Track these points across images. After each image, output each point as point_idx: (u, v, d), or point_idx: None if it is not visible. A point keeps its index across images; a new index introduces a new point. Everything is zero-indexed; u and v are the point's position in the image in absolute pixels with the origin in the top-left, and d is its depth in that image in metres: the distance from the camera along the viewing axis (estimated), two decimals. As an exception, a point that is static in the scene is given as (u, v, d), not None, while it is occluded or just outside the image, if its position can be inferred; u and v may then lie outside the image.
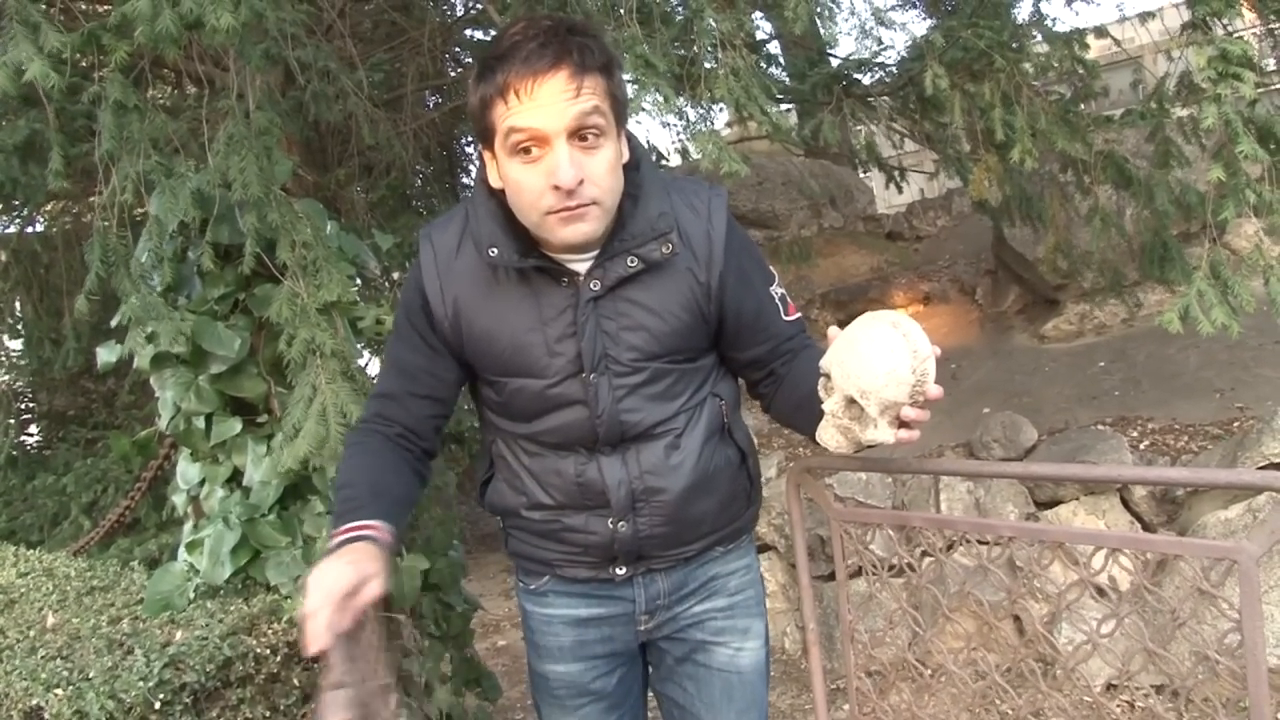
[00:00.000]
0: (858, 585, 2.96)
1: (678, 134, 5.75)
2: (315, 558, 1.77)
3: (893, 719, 1.77)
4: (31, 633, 1.80)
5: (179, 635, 1.71)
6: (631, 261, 1.21)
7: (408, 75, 4.23)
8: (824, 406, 1.17)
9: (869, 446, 1.15)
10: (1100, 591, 1.43)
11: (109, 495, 4.11)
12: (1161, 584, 2.74)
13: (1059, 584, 1.71)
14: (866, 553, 1.64)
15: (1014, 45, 2.95)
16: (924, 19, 3.96)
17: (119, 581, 2.13)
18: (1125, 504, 3.06)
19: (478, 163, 2.29)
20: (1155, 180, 2.88)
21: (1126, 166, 3.02)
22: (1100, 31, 3.33)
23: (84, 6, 2.50)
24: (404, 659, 2.00)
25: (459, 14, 4.90)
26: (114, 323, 1.99)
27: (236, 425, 2.01)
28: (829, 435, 1.18)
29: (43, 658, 1.65)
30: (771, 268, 1.36)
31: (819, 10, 2.63)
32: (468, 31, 4.79)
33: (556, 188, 1.11)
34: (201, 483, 2.07)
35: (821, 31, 3.14)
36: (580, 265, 1.22)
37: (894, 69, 3.60)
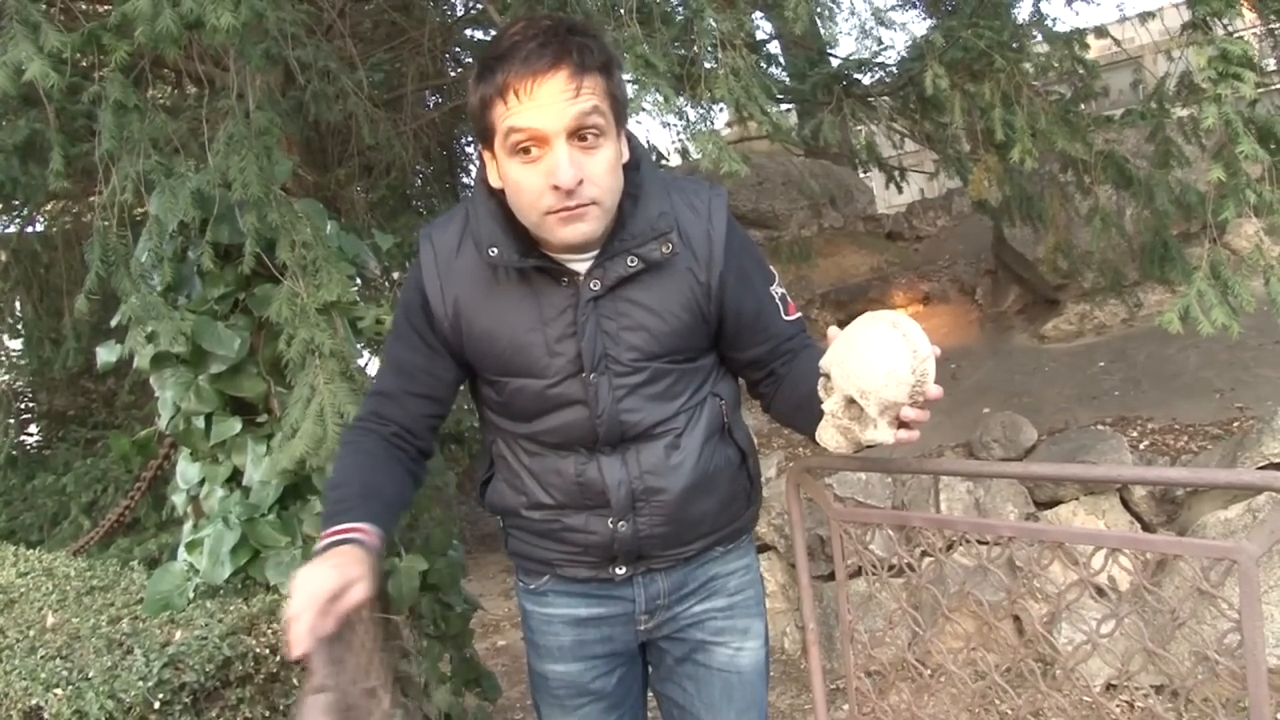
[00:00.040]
0: (857, 585, 2.96)
1: (678, 134, 5.75)
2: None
3: (892, 719, 1.77)
4: (31, 632, 1.80)
5: (178, 635, 1.71)
6: (631, 261, 1.21)
7: (408, 75, 4.23)
8: (824, 406, 1.17)
9: (869, 446, 1.15)
10: (1100, 591, 1.43)
11: (109, 495, 4.11)
12: (1161, 584, 2.74)
13: (1059, 584, 1.71)
14: (866, 553, 1.64)
15: (1014, 45, 2.95)
16: (924, 19, 3.96)
17: (119, 581, 2.12)
18: (1125, 504, 3.06)
19: (478, 163, 2.30)
20: (1155, 180, 2.88)
21: (1126, 166, 3.02)
22: (1100, 31, 3.33)
23: (84, 6, 2.50)
24: (403, 659, 2.00)
25: (459, 14, 4.90)
26: (114, 322, 1.99)
27: (236, 425, 2.01)
28: (828, 435, 1.18)
29: (42, 657, 1.65)
30: (771, 267, 1.36)
31: (819, 10, 2.63)
32: (468, 31, 4.79)
33: (556, 188, 1.11)
34: (201, 482, 2.07)
35: (821, 31, 3.14)
36: (580, 265, 1.22)
37: (894, 69, 3.60)
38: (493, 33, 3.67)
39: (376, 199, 4.52)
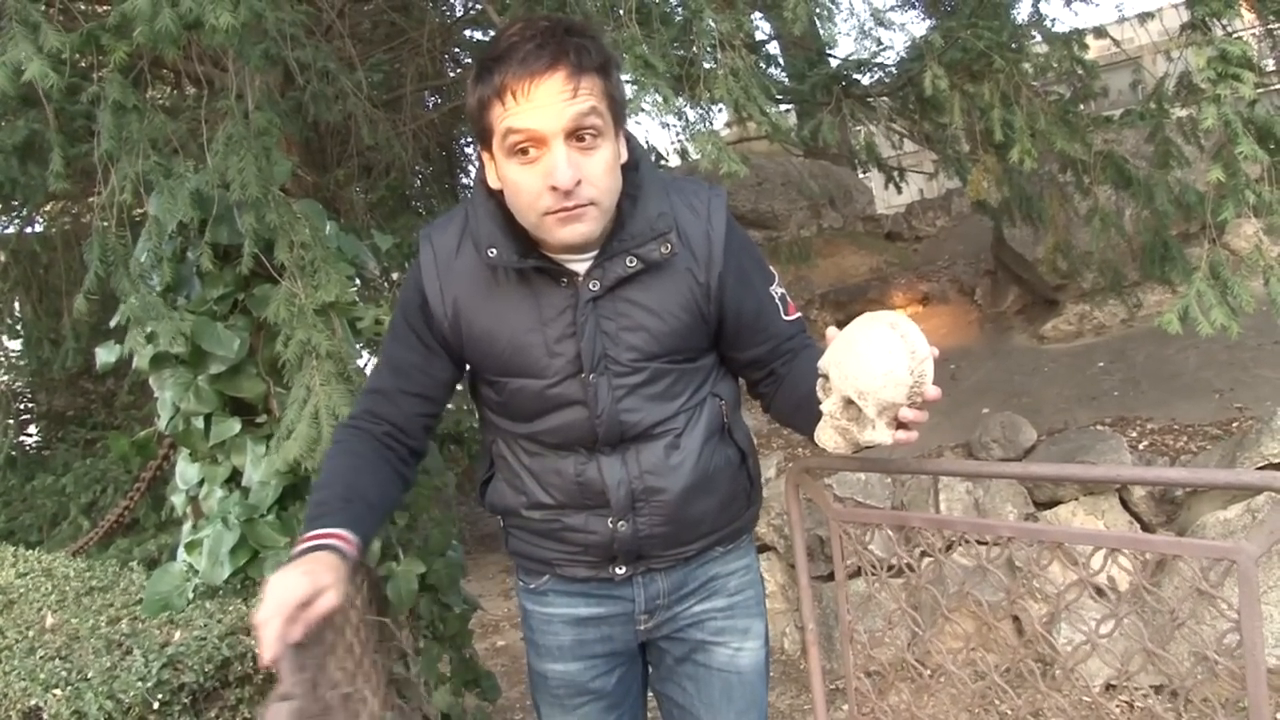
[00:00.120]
0: (857, 585, 2.96)
1: (677, 134, 5.75)
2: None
3: (892, 719, 1.77)
4: (30, 633, 1.80)
5: (178, 635, 1.70)
6: (631, 261, 1.21)
7: (407, 75, 4.23)
8: (822, 407, 1.17)
9: (867, 447, 1.15)
10: (1099, 592, 1.43)
11: (108, 495, 4.11)
12: (1160, 584, 2.74)
13: (1058, 584, 1.71)
14: (865, 553, 1.64)
15: (1013, 46, 2.95)
16: (923, 19, 3.96)
17: (118, 582, 2.12)
18: (1124, 504, 3.06)
19: (477, 163, 2.29)
20: (1155, 180, 2.88)
21: (1126, 167, 3.02)
22: (1099, 32, 3.33)
23: (83, 6, 2.49)
24: (401, 660, 2.00)
25: (458, 14, 4.91)
26: (113, 323, 1.99)
27: (235, 425, 2.01)
28: (827, 436, 1.18)
29: (41, 658, 1.65)
30: (771, 268, 1.36)
31: (818, 11, 2.63)
32: (467, 32, 4.79)
33: (554, 188, 1.11)
34: (200, 483, 2.07)
35: (821, 32, 3.14)
36: (580, 265, 1.22)
37: (893, 69, 3.60)
38: (492, 33, 3.66)
39: (376, 199, 4.52)
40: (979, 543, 2.84)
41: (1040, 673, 1.68)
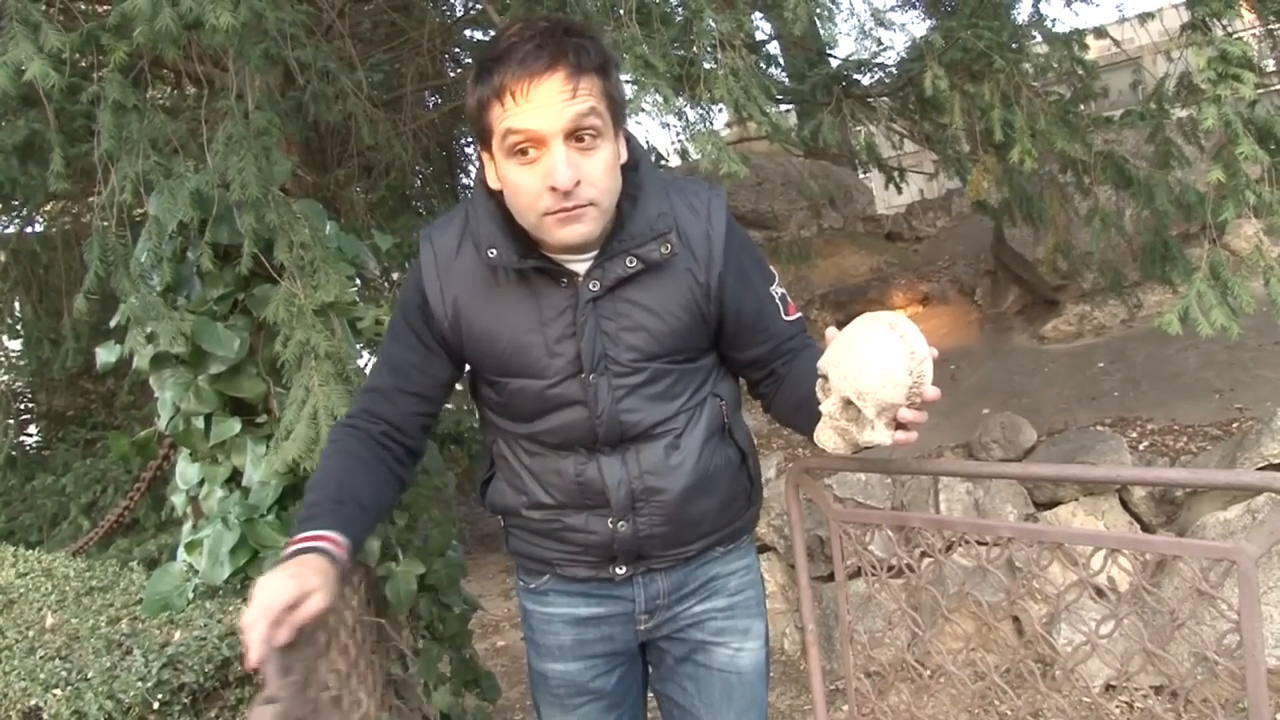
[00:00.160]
0: (857, 586, 2.96)
1: (677, 134, 5.75)
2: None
3: (891, 719, 1.77)
4: (30, 633, 1.80)
5: (178, 635, 1.70)
6: (630, 262, 1.21)
7: (407, 76, 4.24)
8: (821, 408, 1.17)
9: (866, 448, 1.15)
10: (1099, 592, 1.43)
11: (108, 495, 4.11)
12: (1160, 585, 2.73)
13: (1058, 585, 1.71)
14: (865, 553, 1.64)
15: (1013, 46, 2.95)
16: (923, 20, 3.96)
17: (118, 582, 2.12)
18: (1124, 505, 3.06)
19: (477, 163, 2.30)
20: (1155, 180, 2.88)
21: (1126, 167, 3.02)
22: (1100, 32, 3.33)
23: (83, 6, 2.49)
24: (399, 661, 2.00)
25: (458, 14, 4.91)
26: (113, 323, 1.99)
27: (236, 425, 2.01)
28: (826, 436, 1.18)
29: (41, 658, 1.65)
30: (771, 267, 1.36)
31: (818, 11, 2.63)
32: (467, 32, 4.79)
33: (553, 189, 1.11)
34: (200, 483, 2.07)
35: (821, 32, 3.14)
36: (579, 266, 1.22)
37: (893, 70, 3.60)
38: (492, 33, 3.66)
39: (376, 199, 4.52)
40: (979, 543, 2.84)
41: (1040, 673, 1.67)
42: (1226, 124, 2.33)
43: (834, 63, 3.89)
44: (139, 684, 1.52)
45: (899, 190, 4.54)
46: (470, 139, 5.32)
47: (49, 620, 1.86)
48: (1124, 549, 1.34)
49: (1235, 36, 2.44)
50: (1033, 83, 3.00)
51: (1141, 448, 3.26)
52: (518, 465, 1.34)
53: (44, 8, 1.76)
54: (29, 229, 4.47)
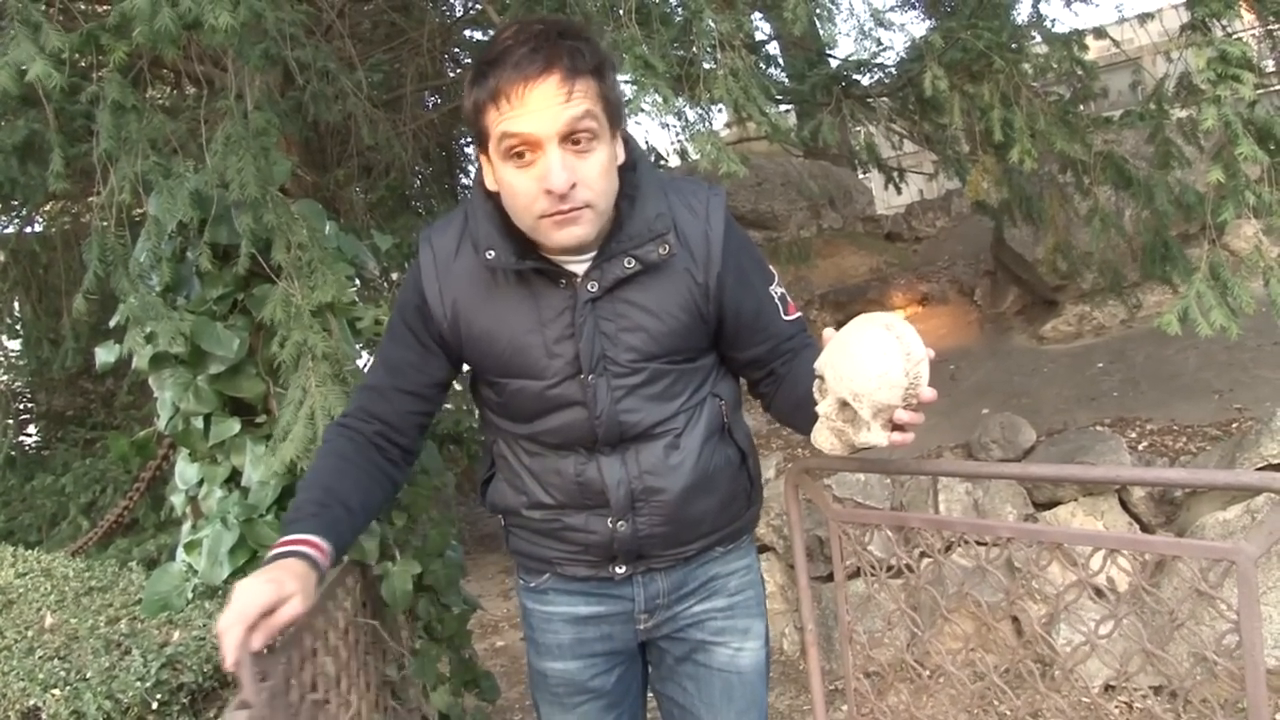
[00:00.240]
0: (856, 586, 2.96)
1: (677, 135, 5.76)
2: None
3: (891, 719, 1.77)
4: (29, 633, 1.80)
5: (177, 635, 1.70)
6: (629, 263, 1.21)
7: (407, 76, 4.24)
8: (818, 409, 1.16)
9: (863, 449, 1.15)
10: (1098, 592, 1.43)
11: (107, 496, 4.11)
12: (1160, 585, 2.74)
13: (1057, 585, 1.71)
14: (865, 554, 1.64)
15: (1013, 46, 2.95)
16: (923, 20, 3.96)
17: (117, 582, 2.12)
18: (1124, 505, 3.06)
19: (476, 165, 2.30)
20: (1155, 181, 2.88)
21: (1126, 167, 3.02)
22: (1099, 33, 3.33)
23: (83, 6, 2.49)
24: (396, 662, 2.00)
25: (458, 14, 4.91)
26: (113, 323, 1.99)
27: (235, 425, 2.01)
28: (823, 437, 1.18)
29: (40, 658, 1.65)
30: (771, 267, 1.36)
31: (818, 11, 2.63)
32: (467, 32, 4.79)
33: (549, 192, 1.11)
34: (200, 483, 2.07)
35: (820, 32, 3.14)
36: (578, 267, 1.22)
37: (893, 70, 3.60)
38: (492, 33, 3.66)
39: (375, 199, 4.52)
40: (978, 543, 2.84)
41: (1039, 673, 1.68)
42: (1226, 124, 2.33)
43: (834, 63, 3.89)
44: (138, 684, 1.52)
45: (898, 190, 4.55)
46: (470, 139, 5.32)
47: (48, 620, 1.86)
48: (1123, 549, 1.34)
49: (1235, 37, 2.44)
50: (1032, 83, 3.00)
51: (1141, 448, 3.26)
52: (518, 465, 1.34)
53: (44, 8, 1.76)
54: (29, 229, 4.48)
